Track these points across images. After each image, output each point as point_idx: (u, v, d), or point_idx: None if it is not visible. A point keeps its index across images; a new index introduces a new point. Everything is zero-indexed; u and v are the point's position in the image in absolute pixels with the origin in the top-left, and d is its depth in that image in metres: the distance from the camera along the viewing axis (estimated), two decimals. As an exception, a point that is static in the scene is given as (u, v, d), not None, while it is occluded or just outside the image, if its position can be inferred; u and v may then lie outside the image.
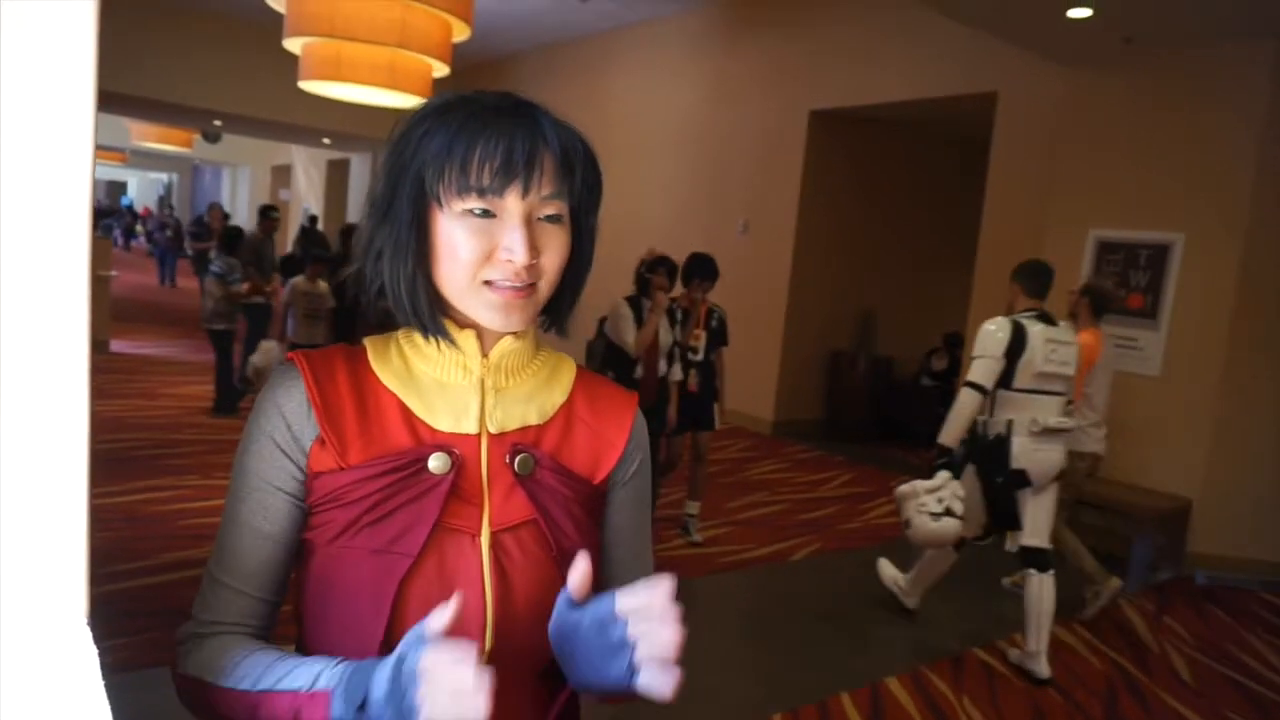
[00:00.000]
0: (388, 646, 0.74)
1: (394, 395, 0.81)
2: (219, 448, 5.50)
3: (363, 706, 0.67)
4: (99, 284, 6.46)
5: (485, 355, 0.83)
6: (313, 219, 13.05)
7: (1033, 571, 3.45)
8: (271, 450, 0.79)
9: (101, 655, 0.68)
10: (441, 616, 0.65)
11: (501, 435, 0.83)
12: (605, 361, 4.26)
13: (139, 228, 26.79)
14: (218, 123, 13.59)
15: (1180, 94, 5.09)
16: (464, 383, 0.83)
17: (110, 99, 9.96)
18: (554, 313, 0.87)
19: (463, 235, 0.77)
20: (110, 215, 23.44)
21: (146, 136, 15.34)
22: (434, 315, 0.81)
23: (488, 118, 0.76)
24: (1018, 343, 3.38)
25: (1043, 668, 3.41)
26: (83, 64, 0.65)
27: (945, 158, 8.26)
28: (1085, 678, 3.52)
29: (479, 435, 0.82)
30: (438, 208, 0.77)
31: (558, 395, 0.88)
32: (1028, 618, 3.45)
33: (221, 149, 18.99)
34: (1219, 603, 4.61)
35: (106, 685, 0.64)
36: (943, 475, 3.34)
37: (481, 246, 0.77)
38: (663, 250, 4.45)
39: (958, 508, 3.30)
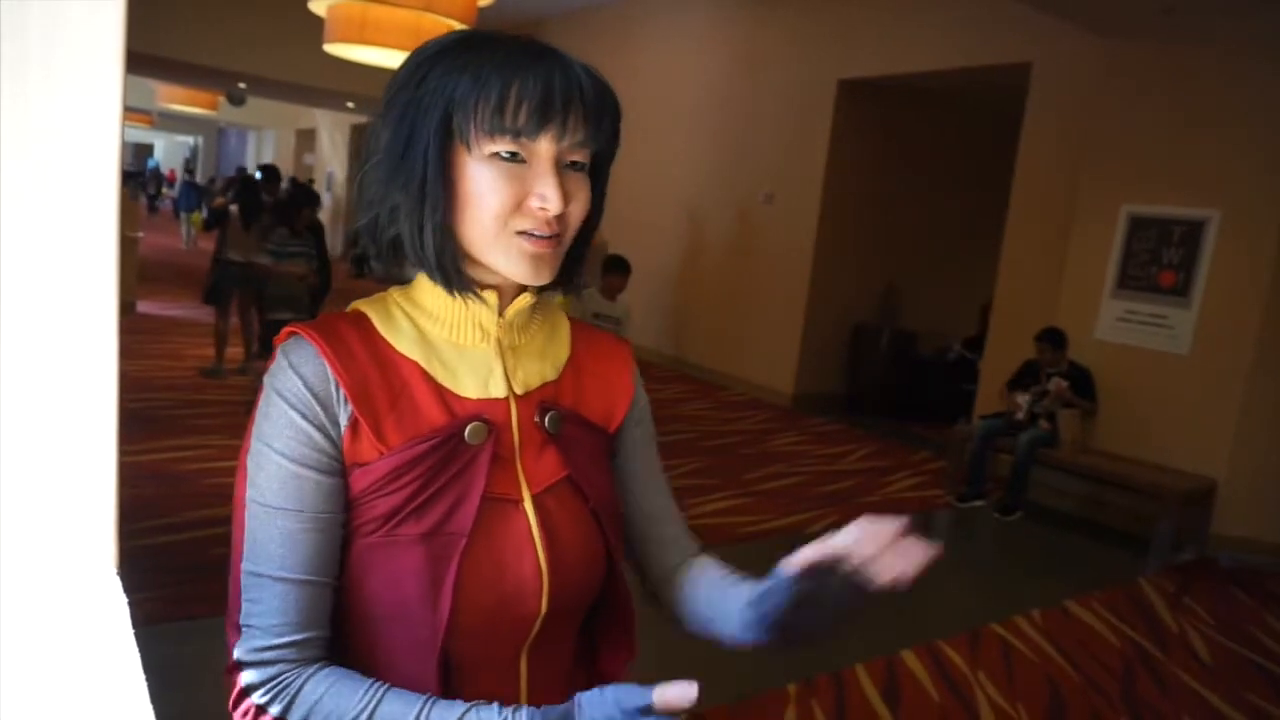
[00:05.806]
0: (449, 633, 0.73)
1: (415, 364, 0.76)
2: (245, 409, 5.57)
3: None
4: (127, 245, 6.49)
5: (501, 314, 0.80)
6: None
7: None
8: (300, 429, 0.71)
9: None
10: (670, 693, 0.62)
11: (527, 395, 0.81)
12: None
13: (164, 190, 26.95)
14: (242, 85, 13.58)
15: (1219, 67, 4.95)
16: (483, 345, 0.79)
17: (136, 60, 9.97)
18: (563, 269, 0.81)
19: (490, 179, 0.72)
20: (140, 177, 23.60)
21: (172, 99, 15.38)
22: (459, 268, 0.76)
23: (521, 57, 0.71)
24: None
25: None
26: (112, 26, 0.65)
27: (975, 130, 8.11)
28: (1102, 656, 3.52)
29: (507, 398, 0.80)
30: (465, 150, 0.72)
31: (563, 348, 0.87)
32: None
33: (246, 112, 19.01)
34: (1241, 585, 4.57)
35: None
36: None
37: (513, 192, 0.72)
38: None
39: None
